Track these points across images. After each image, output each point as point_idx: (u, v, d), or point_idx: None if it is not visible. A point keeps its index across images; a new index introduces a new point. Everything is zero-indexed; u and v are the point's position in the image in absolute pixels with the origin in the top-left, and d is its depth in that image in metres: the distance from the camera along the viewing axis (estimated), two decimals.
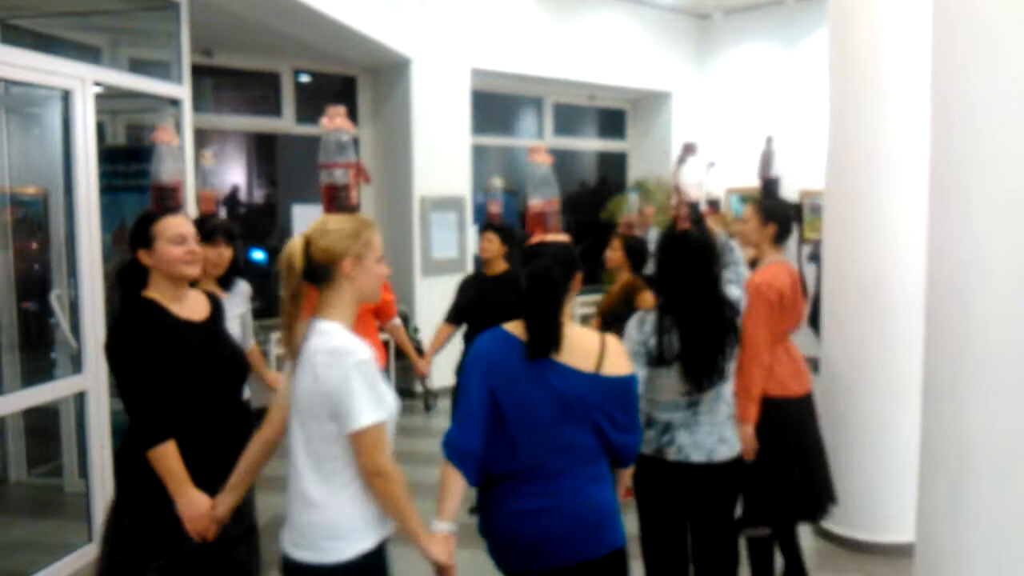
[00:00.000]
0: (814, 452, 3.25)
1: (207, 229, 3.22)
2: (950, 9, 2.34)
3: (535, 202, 2.47)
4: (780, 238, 3.28)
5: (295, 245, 1.95)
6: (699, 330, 2.62)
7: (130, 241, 2.40)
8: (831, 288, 4.24)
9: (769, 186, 3.54)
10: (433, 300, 6.68)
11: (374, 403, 1.90)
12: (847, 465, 4.08)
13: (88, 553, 4.05)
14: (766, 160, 3.58)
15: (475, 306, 4.46)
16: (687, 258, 2.68)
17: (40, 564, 3.83)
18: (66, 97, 3.93)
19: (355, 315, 2.03)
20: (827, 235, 4.26)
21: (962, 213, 2.32)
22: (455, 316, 4.58)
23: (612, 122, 9.83)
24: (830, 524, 4.18)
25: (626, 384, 2.18)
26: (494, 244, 4.51)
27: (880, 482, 4.00)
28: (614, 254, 4.69)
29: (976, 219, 2.28)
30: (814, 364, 7.51)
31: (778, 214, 3.28)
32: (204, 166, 3.53)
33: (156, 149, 2.92)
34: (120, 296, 2.46)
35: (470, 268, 7.73)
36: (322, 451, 1.92)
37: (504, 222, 4.78)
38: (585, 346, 2.15)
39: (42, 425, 5.06)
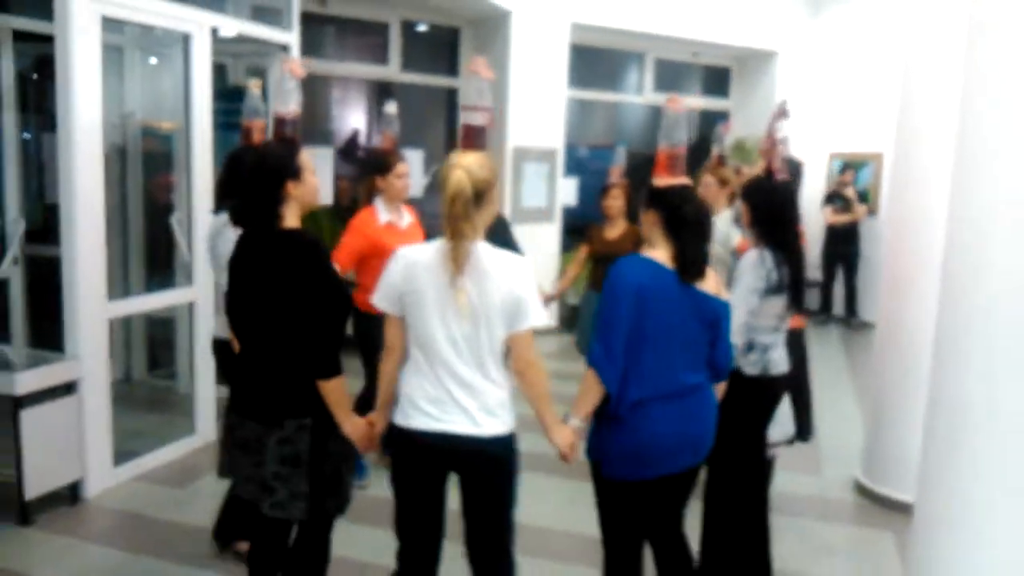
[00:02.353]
0: (807, 381, 3.68)
1: None
2: None
3: (665, 146, 2.62)
4: None
5: (462, 176, 2.23)
6: (799, 262, 3.06)
7: (272, 172, 2.42)
8: (892, 251, 4.27)
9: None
10: (521, 246, 6.99)
11: (541, 306, 2.34)
12: (892, 426, 4.17)
13: (191, 443, 4.67)
14: (777, 118, 3.70)
15: None
16: (790, 203, 3.13)
17: (151, 448, 4.47)
18: (186, 40, 4.43)
19: None
20: (891, 195, 4.29)
21: (983, 184, 2.40)
22: None
23: (716, 80, 9.75)
24: (870, 482, 4.30)
25: (730, 309, 2.63)
26: None
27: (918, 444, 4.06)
28: (615, 202, 4.88)
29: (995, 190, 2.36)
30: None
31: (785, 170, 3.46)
32: (253, 95, 3.40)
33: (281, 79, 3.10)
34: (262, 228, 2.45)
35: (558, 218, 7.99)
36: (497, 347, 2.33)
37: None
38: (707, 274, 2.57)
39: (162, 334, 5.75)
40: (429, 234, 4.56)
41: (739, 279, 2.98)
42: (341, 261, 3.83)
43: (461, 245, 2.23)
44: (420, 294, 2.31)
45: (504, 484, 2.41)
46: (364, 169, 2.78)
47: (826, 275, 8.97)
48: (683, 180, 2.59)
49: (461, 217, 2.22)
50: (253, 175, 2.45)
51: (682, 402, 2.52)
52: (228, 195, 3.18)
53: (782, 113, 3.41)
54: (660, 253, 2.52)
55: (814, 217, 9.02)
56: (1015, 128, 2.31)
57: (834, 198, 8.73)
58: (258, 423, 2.46)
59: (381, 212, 4.07)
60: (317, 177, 2.58)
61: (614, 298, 2.46)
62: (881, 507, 4.17)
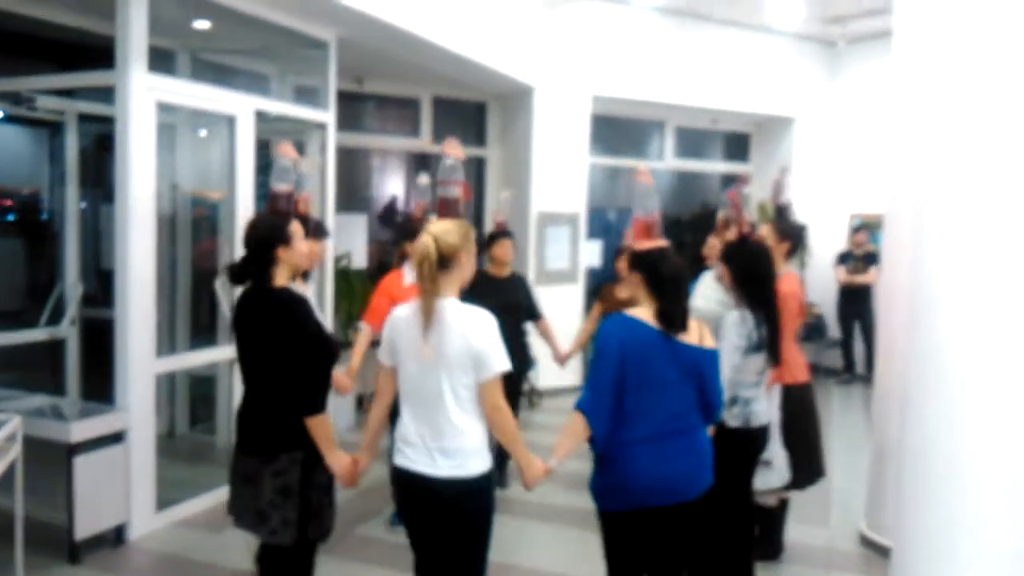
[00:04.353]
0: (814, 431, 3.94)
1: (315, 226, 3.70)
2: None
3: (639, 214, 2.93)
4: (791, 253, 3.83)
5: (429, 243, 2.56)
6: (776, 322, 3.32)
7: (264, 239, 2.83)
8: (884, 308, 4.49)
9: (782, 209, 3.96)
10: (545, 307, 7.29)
11: (503, 357, 2.58)
12: (890, 477, 4.31)
13: (226, 492, 4.96)
14: (778, 188, 4.00)
15: (483, 305, 4.87)
16: (766, 264, 3.38)
17: (190, 496, 4.80)
18: (231, 122, 4.89)
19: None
20: (887, 254, 4.52)
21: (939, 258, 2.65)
22: None
23: (736, 145, 10.09)
24: (872, 532, 4.42)
25: (715, 356, 2.88)
26: (511, 249, 5.05)
27: None
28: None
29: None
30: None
31: (792, 233, 3.80)
32: (301, 172, 3.71)
33: (275, 160, 3.46)
34: (254, 287, 2.85)
35: (581, 279, 8.28)
36: (462, 393, 2.57)
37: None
38: (689, 326, 2.81)
39: (203, 391, 6.11)
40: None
41: (723, 338, 3.21)
42: (370, 321, 4.12)
43: (428, 302, 2.54)
44: (401, 346, 2.64)
45: (460, 526, 2.62)
46: (397, 235, 3.18)
47: (844, 333, 9.12)
48: (660, 243, 2.86)
49: (427, 278, 2.54)
50: (247, 241, 2.86)
51: (665, 443, 2.72)
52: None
53: (743, 182, 3.76)
54: (643, 311, 2.77)
55: (832, 276, 9.20)
56: (963, 198, 2.57)
57: (847, 258, 8.90)
58: (256, 458, 2.80)
59: (407, 275, 4.35)
60: (305, 244, 3.02)
61: (600, 353, 2.74)
62: (882, 557, 4.27)
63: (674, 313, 2.74)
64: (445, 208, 3.11)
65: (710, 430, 2.96)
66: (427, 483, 2.58)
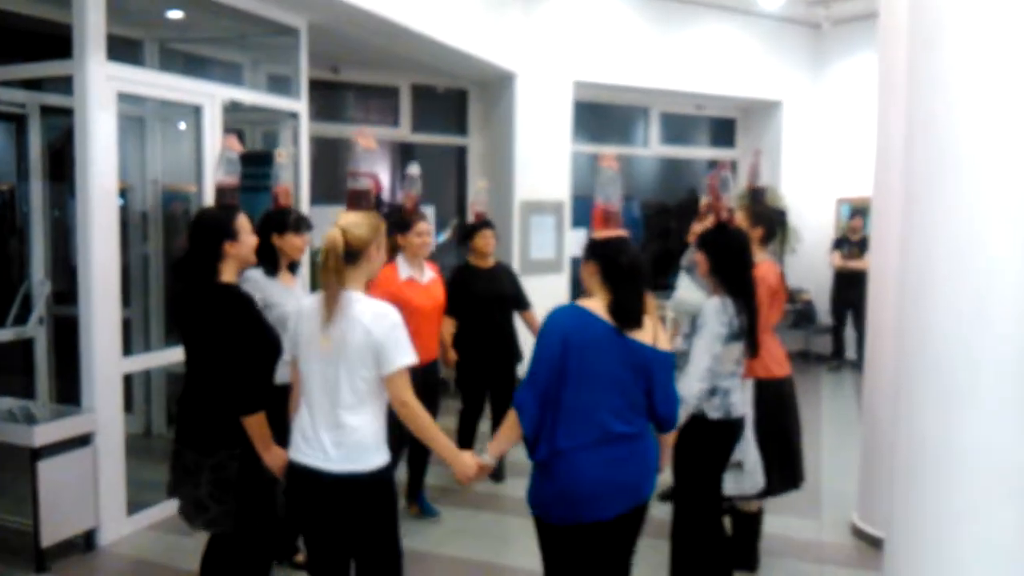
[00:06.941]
0: (792, 430, 3.73)
1: (295, 220, 3.67)
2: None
3: (600, 202, 2.74)
4: (767, 239, 3.68)
5: (337, 235, 2.49)
6: (754, 308, 3.18)
7: (210, 233, 2.79)
8: (873, 296, 4.38)
9: (756, 194, 3.83)
10: (530, 297, 7.16)
11: (407, 351, 2.52)
12: (882, 467, 4.22)
13: None
14: (754, 171, 3.88)
15: (469, 297, 4.84)
16: (745, 251, 3.23)
17: (164, 498, 4.62)
18: (197, 111, 4.73)
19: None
20: (875, 238, 4.42)
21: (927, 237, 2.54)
22: (455, 309, 4.82)
23: (723, 130, 9.97)
24: (864, 524, 4.33)
25: (669, 359, 2.66)
26: (492, 240, 4.98)
27: None
28: None
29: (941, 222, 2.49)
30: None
31: (765, 218, 3.65)
32: (278, 163, 3.74)
33: (220, 153, 3.34)
34: (200, 282, 2.81)
35: (567, 269, 8.16)
36: (360, 387, 2.50)
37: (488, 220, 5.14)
38: (645, 324, 2.59)
39: (180, 390, 5.96)
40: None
41: (703, 326, 3.08)
42: None
43: (331, 295, 2.48)
44: (301, 338, 2.59)
45: (357, 522, 2.55)
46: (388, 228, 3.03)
47: (835, 320, 9.03)
48: (620, 232, 2.66)
49: (331, 270, 2.47)
50: (193, 236, 2.79)
51: (609, 449, 2.51)
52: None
53: (722, 167, 3.61)
54: (596, 303, 2.57)
55: (821, 261, 9.10)
56: (953, 177, 2.46)
57: (842, 243, 8.82)
58: (195, 452, 2.81)
59: (402, 268, 4.29)
60: (254, 237, 2.94)
61: (540, 345, 2.55)
62: (875, 549, 4.19)
63: (628, 307, 2.53)
64: (354, 199, 2.99)
65: (669, 437, 2.78)
66: (320, 478, 2.52)
